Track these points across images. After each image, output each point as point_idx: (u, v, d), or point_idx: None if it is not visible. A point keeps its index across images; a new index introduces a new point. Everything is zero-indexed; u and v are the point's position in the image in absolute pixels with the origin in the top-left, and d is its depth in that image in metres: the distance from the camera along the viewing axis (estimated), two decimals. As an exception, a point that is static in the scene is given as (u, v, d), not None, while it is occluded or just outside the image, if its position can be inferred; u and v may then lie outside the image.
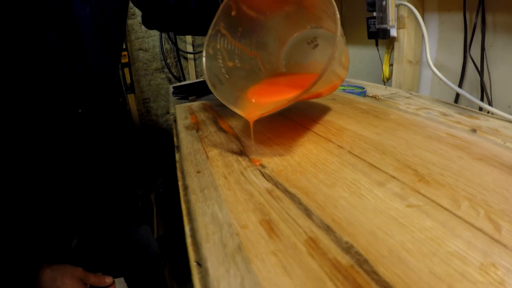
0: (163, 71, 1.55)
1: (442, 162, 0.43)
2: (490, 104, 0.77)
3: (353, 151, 0.48)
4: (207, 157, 0.52)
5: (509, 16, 0.72)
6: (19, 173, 0.55)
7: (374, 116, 0.61)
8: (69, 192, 0.63)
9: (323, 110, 0.69)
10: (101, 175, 0.68)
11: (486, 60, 0.78)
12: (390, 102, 0.71)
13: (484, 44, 0.78)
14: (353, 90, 0.83)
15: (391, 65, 0.98)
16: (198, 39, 1.54)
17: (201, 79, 1.24)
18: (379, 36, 0.93)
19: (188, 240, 0.35)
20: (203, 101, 0.90)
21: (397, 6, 0.88)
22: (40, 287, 0.51)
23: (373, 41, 1.00)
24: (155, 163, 1.61)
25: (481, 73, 0.79)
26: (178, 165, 0.55)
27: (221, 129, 0.64)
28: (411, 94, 0.79)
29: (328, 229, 0.32)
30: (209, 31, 0.55)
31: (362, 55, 1.20)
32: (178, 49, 1.51)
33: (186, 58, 1.55)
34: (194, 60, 1.56)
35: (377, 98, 0.77)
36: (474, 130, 0.54)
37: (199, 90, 1.01)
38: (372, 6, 0.91)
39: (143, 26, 1.46)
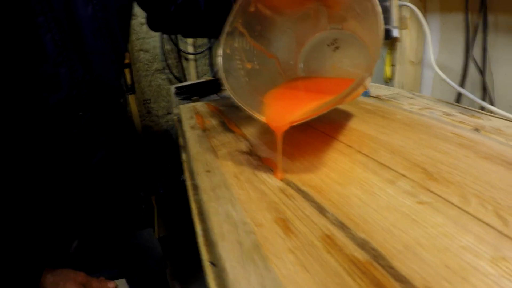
0: (164, 72, 1.56)
1: (450, 161, 0.44)
2: (492, 104, 0.78)
3: (362, 151, 0.49)
4: (217, 156, 0.53)
5: (511, 16, 0.73)
6: (20, 176, 0.54)
7: (380, 116, 0.62)
8: (70, 195, 0.62)
9: (330, 110, 0.70)
10: (103, 177, 0.66)
11: (488, 60, 0.79)
12: (393, 102, 0.72)
13: (486, 44, 0.79)
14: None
15: (393, 65, 0.99)
16: (199, 40, 1.55)
17: (203, 80, 1.24)
18: (381, 36, 0.94)
19: (200, 240, 0.36)
20: (207, 102, 0.90)
21: (400, 7, 0.90)
22: None
23: (375, 41, 1.00)
24: (157, 164, 1.61)
25: (483, 73, 0.80)
26: (185, 165, 0.56)
27: (228, 129, 0.65)
28: (413, 94, 0.80)
29: (343, 226, 0.33)
30: (226, 28, 0.51)
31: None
32: (179, 50, 1.52)
33: (187, 59, 1.55)
34: (195, 60, 1.56)
35: (380, 98, 0.78)
36: (477, 130, 0.55)
37: (202, 90, 1.01)
38: (374, 7, 0.92)
39: (143, 26, 1.46)
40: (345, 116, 0.64)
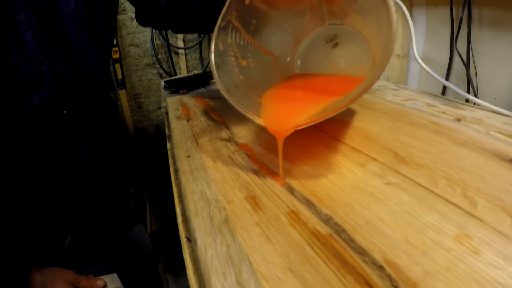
0: (154, 67, 1.57)
1: (423, 146, 0.45)
2: (476, 96, 0.80)
3: (335, 136, 0.50)
4: (197, 143, 0.54)
5: (495, 10, 0.75)
6: (8, 174, 0.54)
7: (359, 105, 0.64)
8: (58, 193, 0.62)
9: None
10: (90, 175, 0.65)
11: (472, 54, 0.81)
12: (377, 94, 0.73)
13: (470, 38, 0.80)
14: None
15: (380, 59, 1.01)
16: (189, 34, 1.56)
17: (192, 73, 1.26)
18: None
19: (179, 220, 0.37)
20: (194, 95, 0.92)
21: (386, 0, 0.91)
22: None
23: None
24: (148, 159, 1.62)
25: (467, 66, 0.82)
26: (169, 152, 0.57)
27: (211, 119, 0.66)
28: (398, 86, 0.82)
29: (309, 203, 0.35)
30: (218, 22, 0.49)
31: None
32: (169, 45, 1.53)
33: (177, 53, 1.57)
34: (185, 55, 1.58)
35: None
36: (458, 120, 0.56)
37: (190, 84, 1.03)
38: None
39: (134, 21, 1.47)
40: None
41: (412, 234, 0.30)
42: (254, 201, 0.36)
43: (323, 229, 0.31)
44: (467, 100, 0.76)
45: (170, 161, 0.53)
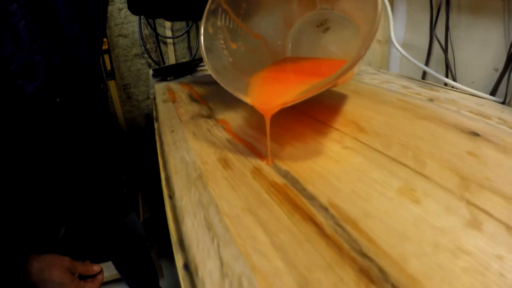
0: (143, 57, 1.63)
1: (384, 119, 0.52)
2: (454, 80, 0.87)
3: (306, 112, 0.57)
4: (181, 120, 0.62)
5: (472, -3, 0.82)
6: (2, 163, 0.56)
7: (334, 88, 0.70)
8: (52, 180, 0.64)
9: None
10: (83, 162, 0.68)
11: (451, 40, 0.88)
12: (356, 78, 0.80)
13: (449, 24, 0.87)
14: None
15: (365, 46, 1.08)
16: (177, 23, 1.62)
17: (180, 62, 1.32)
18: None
19: (163, 183, 0.44)
20: (180, 81, 0.99)
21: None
22: (27, 280, 0.53)
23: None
24: (138, 148, 1.69)
25: (445, 51, 0.89)
26: (156, 131, 0.64)
27: (195, 100, 0.73)
28: (378, 71, 0.89)
29: (272, 164, 0.42)
30: (208, 5, 0.51)
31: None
32: (157, 34, 1.59)
33: (165, 43, 1.63)
34: (174, 44, 1.64)
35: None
36: (431, 100, 0.62)
37: (177, 72, 1.09)
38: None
39: (122, 12, 1.54)
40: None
41: (358, 187, 0.36)
42: (225, 162, 0.43)
43: (280, 180, 0.38)
44: (446, 84, 0.83)
45: (157, 137, 0.60)
